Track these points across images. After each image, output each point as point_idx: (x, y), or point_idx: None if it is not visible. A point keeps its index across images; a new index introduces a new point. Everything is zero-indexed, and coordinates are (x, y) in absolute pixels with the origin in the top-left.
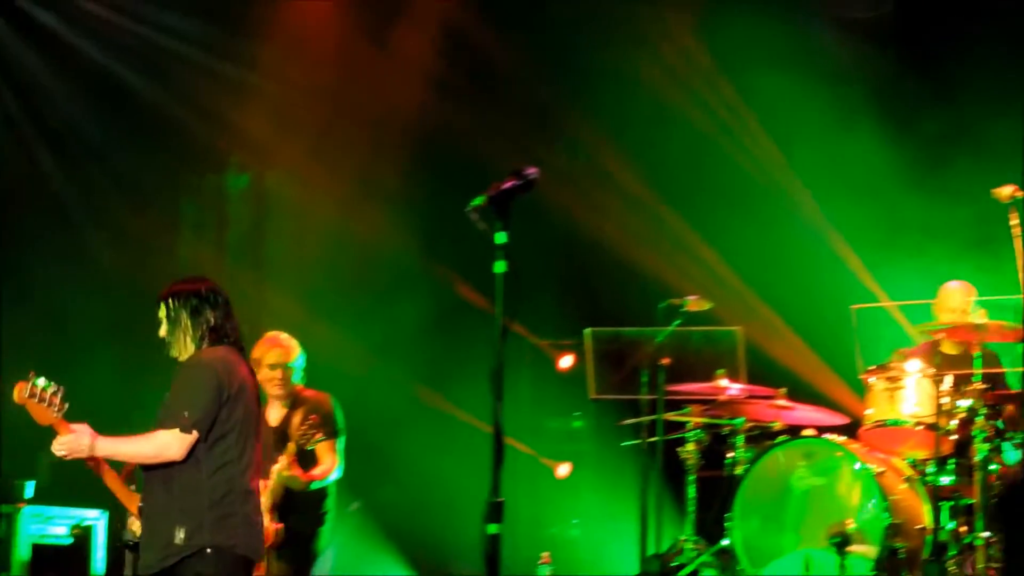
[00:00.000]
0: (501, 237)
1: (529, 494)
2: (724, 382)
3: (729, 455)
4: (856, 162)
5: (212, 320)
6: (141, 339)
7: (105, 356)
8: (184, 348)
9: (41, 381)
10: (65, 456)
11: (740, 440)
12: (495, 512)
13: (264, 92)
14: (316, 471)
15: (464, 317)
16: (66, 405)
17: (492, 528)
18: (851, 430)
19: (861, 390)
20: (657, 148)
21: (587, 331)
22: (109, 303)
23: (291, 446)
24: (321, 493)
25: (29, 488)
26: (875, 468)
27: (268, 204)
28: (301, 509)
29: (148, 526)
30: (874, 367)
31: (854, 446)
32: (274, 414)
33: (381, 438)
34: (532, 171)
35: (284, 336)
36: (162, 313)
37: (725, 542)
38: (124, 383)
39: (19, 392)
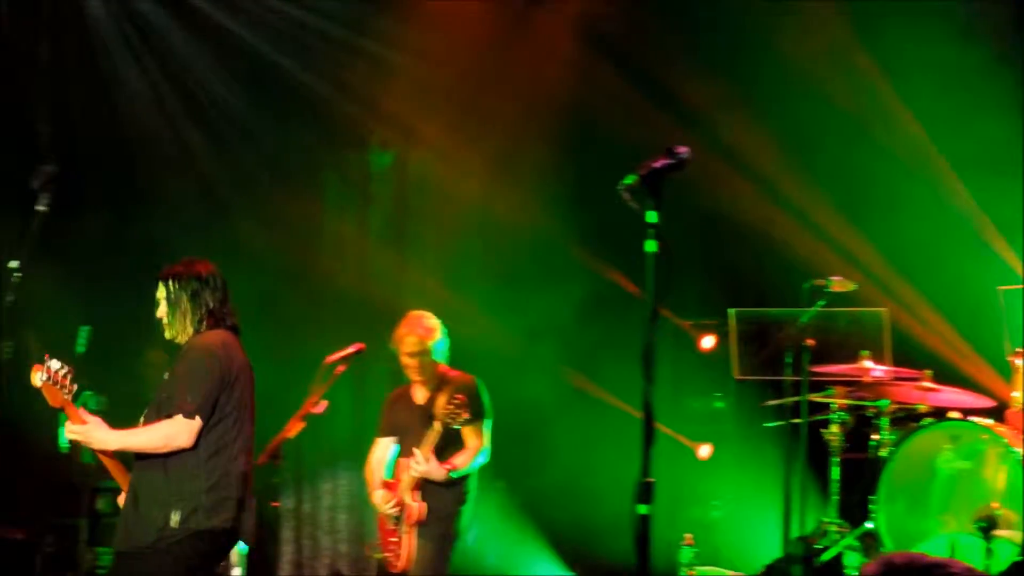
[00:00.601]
0: (652, 216)
1: (670, 475)
2: (869, 363)
3: (874, 437)
4: (1004, 141)
5: (211, 303)
6: (287, 317)
7: (250, 334)
8: (182, 330)
9: (55, 363)
10: (77, 442)
11: (885, 422)
12: (646, 492)
13: (408, 70)
14: (458, 459)
15: (609, 298)
16: (75, 386)
17: (643, 508)
18: (998, 413)
19: (1008, 372)
20: (800, 128)
21: (731, 311)
22: (255, 281)
23: (436, 425)
24: (466, 477)
25: None
26: (1022, 451)
27: (411, 183)
28: (444, 488)
29: (140, 507)
30: (1021, 349)
31: (1001, 429)
32: (420, 394)
33: (526, 421)
34: (683, 150)
35: (425, 317)
36: (161, 294)
37: (869, 525)
38: (270, 361)
39: (36, 375)
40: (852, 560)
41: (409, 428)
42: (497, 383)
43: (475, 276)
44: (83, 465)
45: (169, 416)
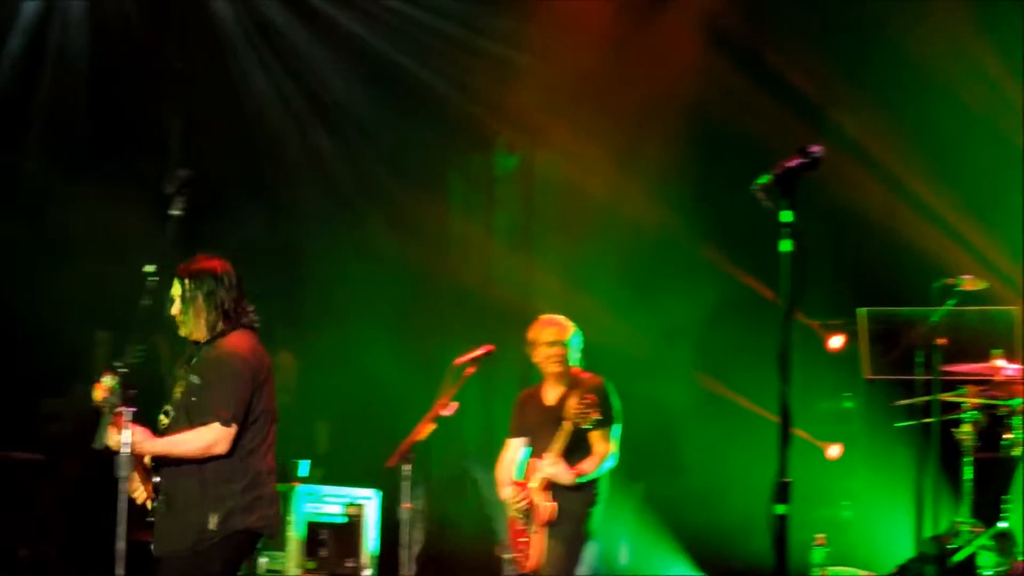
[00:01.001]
0: (787, 216)
1: (800, 475)
2: (1001, 362)
3: (1006, 436)
4: None
5: (226, 302)
6: (415, 319)
7: (379, 337)
8: (196, 328)
9: (108, 379)
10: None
11: (1017, 421)
12: (783, 493)
13: (532, 71)
14: (586, 464)
15: (738, 298)
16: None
17: (780, 509)
18: None
19: None
20: (928, 127)
21: (861, 311)
22: (382, 283)
23: (566, 425)
24: (596, 479)
25: (304, 467)
26: None
27: (537, 184)
28: (575, 488)
29: (177, 511)
30: None
31: None
32: (551, 394)
33: (657, 423)
34: (817, 149)
35: (559, 317)
36: (176, 291)
37: (1003, 525)
38: (399, 364)
39: (100, 392)
40: (986, 560)
41: (539, 429)
42: (626, 385)
43: (602, 277)
44: None
45: (205, 423)
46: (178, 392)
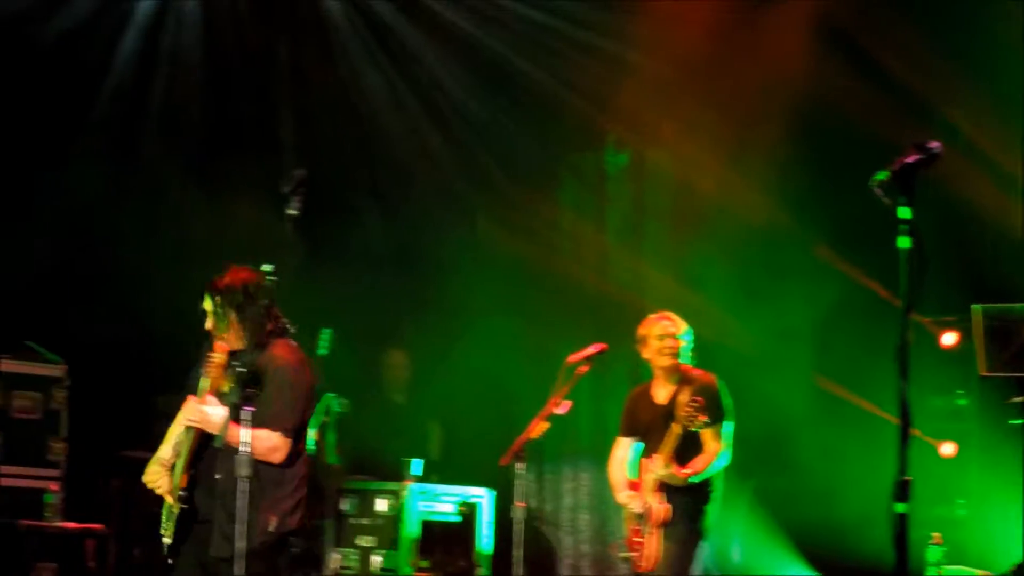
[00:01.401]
0: (905, 212)
1: (914, 473)
2: None
3: None
4: None
5: (258, 316)
6: (527, 317)
7: (491, 331)
8: (233, 342)
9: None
10: (194, 424)
11: None
12: (903, 491)
13: (642, 68)
14: (697, 462)
15: (851, 295)
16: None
17: (900, 507)
18: None
19: None
20: None
21: (976, 307)
22: (495, 281)
23: (675, 427)
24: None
25: (417, 466)
26: None
27: (648, 182)
28: (688, 488)
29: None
30: None
31: None
32: (661, 393)
33: (770, 420)
34: (935, 145)
35: (669, 313)
36: (208, 307)
37: None
38: (512, 362)
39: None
40: None
41: (650, 427)
42: (738, 383)
43: (714, 275)
44: (328, 466)
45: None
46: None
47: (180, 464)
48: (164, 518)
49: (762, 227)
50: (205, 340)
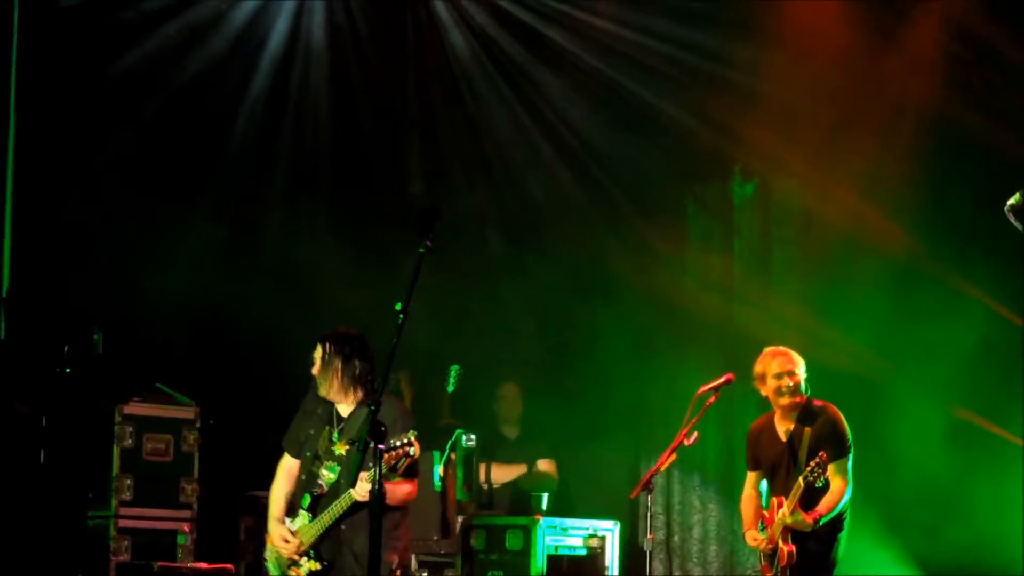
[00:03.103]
0: None
1: None
2: None
3: None
4: None
5: (359, 369)
6: (655, 349)
7: (619, 363)
8: (331, 389)
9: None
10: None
11: None
12: None
13: (769, 96)
14: (822, 505)
15: (989, 325)
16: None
17: None
18: None
19: None
20: None
21: None
22: (624, 313)
23: (800, 481)
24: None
25: (544, 500)
26: None
27: (775, 211)
28: (816, 531)
29: (360, 557)
30: None
31: None
32: (782, 428)
33: (897, 450)
34: None
35: (783, 348)
36: (318, 354)
37: None
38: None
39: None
40: None
41: (775, 464)
42: (864, 413)
43: (843, 306)
44: (458, 503)
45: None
46: (341, 450)
47: (314, 529)
48: (278, 566)
49: (892, 256)
50: (310, 387)
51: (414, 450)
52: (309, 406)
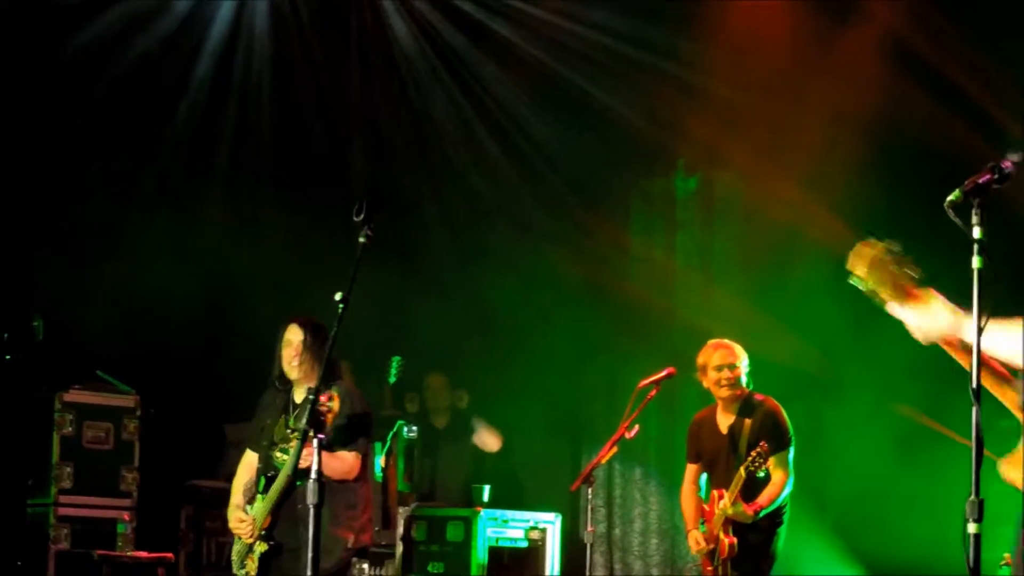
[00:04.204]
0: (978, 233)
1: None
2: None
3: None
4: None
5: (328, 355)
6: (595, 342)
7: (560, 356)
8: (307, 371)
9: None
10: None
11: None
12: (977, 511)
13: (712, 92)
14: (763, 497)
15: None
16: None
17: (973, 528)
18: None
19: None
20: None
21: None
22: (565, 306)
23: (740, 471)
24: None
25: (485, 492)
26: None
27: (717, 206)
28: (756, 523)
29: (325, 534)
30: None
31: None
32: (723, 421)
33: (833, 442)
34: (1008, 165)
35: (727, 341)
36: (296, 336)
37: None
38: (581, 386)
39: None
40: None
41: (715, 457)
42: (804, 406)
43: (784, 300)
44: (398, 493)
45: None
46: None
47: (264, 507)
48: (239, 558)
49: (834, 252)
50: (278, 371)
51: (334, 404)
52: (266, 400)
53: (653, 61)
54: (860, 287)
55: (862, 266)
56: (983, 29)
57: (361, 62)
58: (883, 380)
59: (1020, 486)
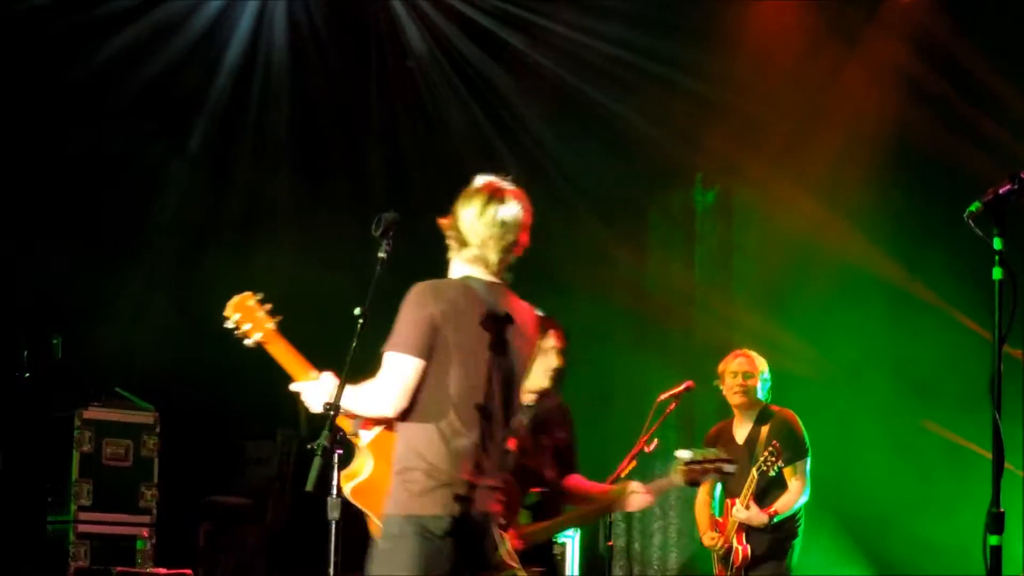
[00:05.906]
0: (998, 243)
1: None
2: None
3: None
4: None
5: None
6: (615, 355)
7: (579, 370)
8: None
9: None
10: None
11: None
12: (997, 523)
13: (731, 105)
14: (779, 503)
15: (944, 330)
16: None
17: (993, 540)
18: None
19: None
20: None
21: None
22: (582, 320)
23: (754, 472)
24: (793, 515)
25: None
26: None
27: (736, 220)
28: (772, 527)
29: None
30: None
31: None
32: (740, 432)
33: (855, 454)
34: None
35: (751, 352)
36: None
37: None
38: (598, 396)
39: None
40: None
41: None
42: (824, 418)
43: (803, 312)
44: None
45: None
46: None
47: None
48: None
49: (852, 265)
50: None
51: None
52: None
53: (671, 75)
54: None
55: None
56: (996, 42)
57: (377, 73)
58: (904, 392)
59: None
